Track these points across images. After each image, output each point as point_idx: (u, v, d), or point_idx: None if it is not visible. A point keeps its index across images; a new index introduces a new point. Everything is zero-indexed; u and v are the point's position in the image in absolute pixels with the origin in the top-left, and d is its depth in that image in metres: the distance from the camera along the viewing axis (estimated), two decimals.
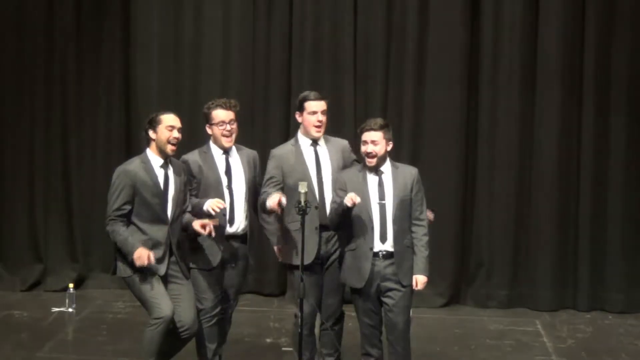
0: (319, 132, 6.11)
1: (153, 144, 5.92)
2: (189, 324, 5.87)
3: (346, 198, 5.66)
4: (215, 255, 6.00)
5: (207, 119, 6.06)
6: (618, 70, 8.32)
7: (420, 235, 5.89)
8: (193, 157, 6.08)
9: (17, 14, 8.73)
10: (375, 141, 5.83)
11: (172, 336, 5.86)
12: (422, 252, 5.87)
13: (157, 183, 5.87)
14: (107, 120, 8.88)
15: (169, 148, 5.89)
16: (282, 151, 6.16)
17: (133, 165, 5.91)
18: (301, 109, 6.12)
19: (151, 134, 5.91)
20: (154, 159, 5.91)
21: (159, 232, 5.86)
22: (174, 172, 5.95)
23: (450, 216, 8.41)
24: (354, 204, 5.64)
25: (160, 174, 5.90)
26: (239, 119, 6.10)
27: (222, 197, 5.97)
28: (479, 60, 8.45)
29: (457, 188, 8.48)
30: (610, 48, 8.32)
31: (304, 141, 6.14)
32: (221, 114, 6.02)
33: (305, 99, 6.10)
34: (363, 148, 5.88)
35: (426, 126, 8.50)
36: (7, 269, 8.85)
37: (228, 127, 6.02)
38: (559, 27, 8.31)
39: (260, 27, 8.64)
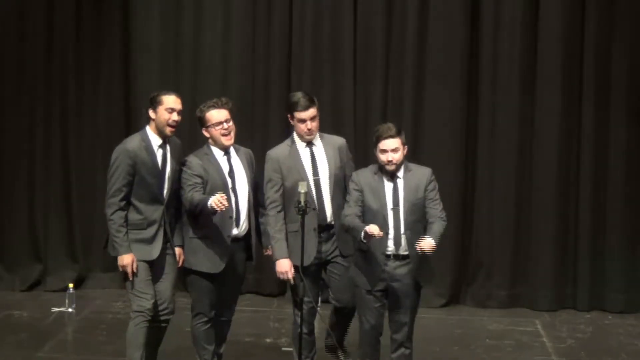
0: (310, 135, 6.05)
1: (152, 123, 5.92)
2: (167, 302, 5.91)
3: (369, 227, 5.50)
4: (219, 261, 5.96)
5: (202, 123, 6.01)
6: (618, 70, 8.31)
7: (438, 212, 5.81)
8: (195, 160, 6.01)
9: (17, 14, 8.71)
10: (395, 149, 5.73)
11: (154, 322, 5.89)
12: (440, 222, 5.77)
13: (155, 163, 5.88)
14: (107, 120, 8.85)
15: (168, 130, 5.88)
16: (278, 152, 6.10)
17: (133, 144, 5.90)
18: (291, 113, 6.04)
19: (151, 113, 5.90)
20: (153, 139, 5.91)
21: (155, 212, 5.88)
22: (171, 152, 5.95)
23: (450, 216, 8.32)
24: (373, 235, 5.51)
25: (158, 154, 5.90)
26: (235, 116, 6.06)
27: (228, 199, 5.90)
28: (479, 60, 8.44)
29: (457, 188, 8.46)
30: (611, 48, 8.31)
31: (299, 142, 6.09)
32: (215, 115, 5.97)
33: (294, 107, 6.00)
34: (383, 157, 5.74)
35: (426, 126, 8.48)
36: (7, 268, 8.83)
37: (225, 125, 5.97)
38: (559, 27, 8.31)
39: (260, 27, 8.62)
